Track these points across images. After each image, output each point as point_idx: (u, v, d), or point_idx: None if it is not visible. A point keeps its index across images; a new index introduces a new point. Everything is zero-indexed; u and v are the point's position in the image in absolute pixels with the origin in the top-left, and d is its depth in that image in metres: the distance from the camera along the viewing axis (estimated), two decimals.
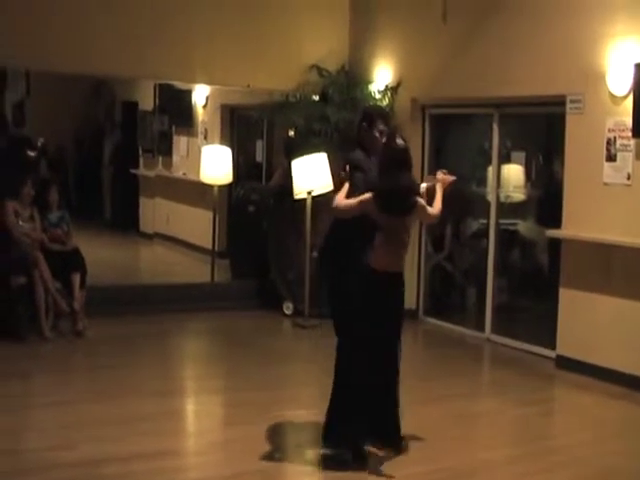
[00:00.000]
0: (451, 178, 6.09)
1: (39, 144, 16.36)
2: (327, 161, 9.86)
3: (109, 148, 17.16)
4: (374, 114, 6.07)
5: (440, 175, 6.12)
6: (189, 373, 8.45)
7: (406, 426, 6.22)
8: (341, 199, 5.73)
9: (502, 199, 9.70)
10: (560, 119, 8.49)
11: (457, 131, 10.75)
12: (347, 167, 5.82)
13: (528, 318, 9.73)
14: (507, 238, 9.75)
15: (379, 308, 5.75)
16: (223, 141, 13.24)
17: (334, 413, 5.92)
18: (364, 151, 5.90)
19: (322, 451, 5.91)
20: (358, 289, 5.72)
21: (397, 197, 5.67)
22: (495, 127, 9.56)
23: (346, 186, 5.78)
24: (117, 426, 6.35)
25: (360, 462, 5.67)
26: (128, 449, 5.87)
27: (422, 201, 5.85)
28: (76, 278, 9.01)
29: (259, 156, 13.77)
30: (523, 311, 9.85)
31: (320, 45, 10.80)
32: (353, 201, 5.68)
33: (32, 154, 15.48)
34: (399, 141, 5.81)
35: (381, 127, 5.90)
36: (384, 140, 5.87)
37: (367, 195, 5.63)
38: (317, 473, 5.80)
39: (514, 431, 6.85)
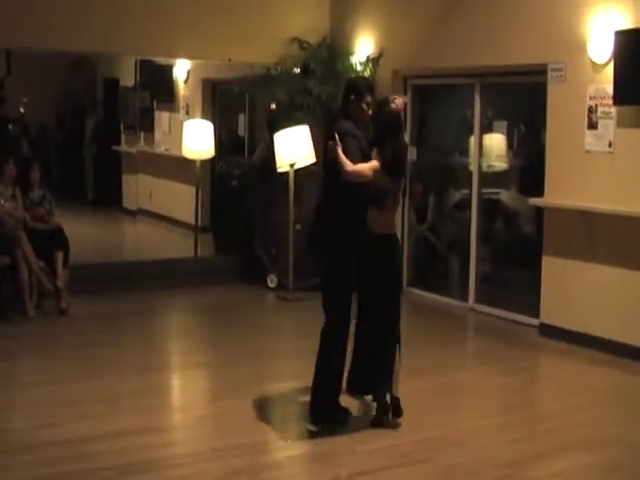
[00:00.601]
0: (404, 99, 6.33)
1: (20, 111, 16.12)
2: (309, 134, 9.84)
3: (91, 125, 17.04)
4: (362, 87, 6.04)
5: (394, 104, 6.10)
6: (174, 349, 8.46)
7: None
8: (350, 165, 5.66)
9: (484, 169, 9.71)
10: (542, 88, 8.49)
11: (439, 102, 10.73)
12: (335, 136, 5.74)
13: (511, 287, 9.77)
14: (490, 207, 9.77)
15: (377, 271, 5.85)
16: (205, 116, 13.19)
17: (319, 390, 5.95)
18: (351, 122, 5.91)
19: (309, 427, 5.94)
20: (357, 258, 5.80)
21: (401, 161, 5.88)
22: (477, 97, 9.55)
23: (340, 153, 5.71)
24: (103, 403, 6.36)
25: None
26: (115, 426, 5.88)
27: None
28: (59, 256, 8.97)
29: (241, 130, 13.73)
30: (506, 280, 9.89)
31: (301, 18, 10.74)
32: (365, 167, 5.70)
33: (11, 126, 15.28)
34: (393, 105, 5.93)
35: (369, 99, 5.93)
36: (376, 108, 5.94)
37: (375, 162, 5.74)
38: (302, 447, 5.84)
39: (500, 400, 6.89)
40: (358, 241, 5.81)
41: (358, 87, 6.03)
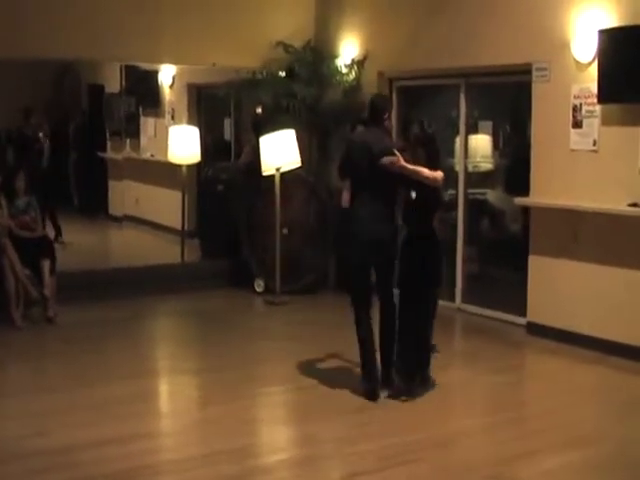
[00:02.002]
0: None
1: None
2: (295, 137, 9.84)
3: (76, 132, 16.98)
4: (389, 104, 7.10)
5: None
6: (162, 355, 8.42)
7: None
8: (427, 171, 6.42)
9: (470, 169, 9.72)
10: (526, 87, 8.51)
11: (424, 103, 10.73)
12: (395, 152, 6.43)
13: (499, 286, 9.77)
14: (476, 207, 9.78)
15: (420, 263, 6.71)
16: (190, 121, 13.17)
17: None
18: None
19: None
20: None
21: None
22: (462, 97, 9.56)
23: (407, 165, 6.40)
24: (92, 411, 6.33)
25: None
26: (103, 433, 5.85)
27: None
28: (46, 265, 8.91)
29: (227, 134, 13.72)
30: (493, 279, 9.89)
31: (286, 21, 10.73)
32: (438, 174, 6.49)
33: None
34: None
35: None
36: (420, 131, 6.90)
37: (440, 172, 6.53)
38: (292, 450, 5.85)
39: (488, 399, 6.90)
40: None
41: (388, 105, 6.94)
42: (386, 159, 6.36)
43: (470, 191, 9.65)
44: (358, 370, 6.78)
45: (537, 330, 8.38)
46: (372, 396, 6.47)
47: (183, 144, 11.10)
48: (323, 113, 10.41)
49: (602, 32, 7.61)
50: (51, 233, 11.38)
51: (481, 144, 9.93)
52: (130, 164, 15.25)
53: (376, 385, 6.53)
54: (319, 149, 10.64)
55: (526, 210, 8.81)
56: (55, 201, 12.77)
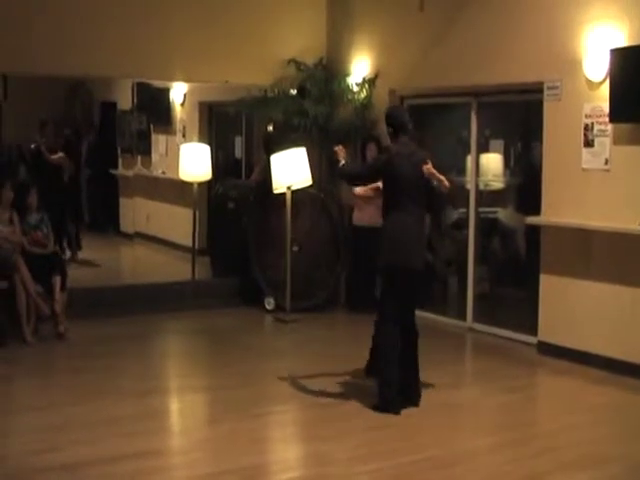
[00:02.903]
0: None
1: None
2: (306, 156, 9.85)
3: (87, 149, 17.04)
4: None
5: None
6: (172, 372, 8.42)
7: (390, 416, 6.41)
8: None
9: (481, 187, 9.71)
10: (538, 106, 8.51)
11: (436, 121, 10.74)
12: (428, 161, 6.73)
13: (510, 305, 9.75)
14: (487, 226, 9.77)
15: None
16: (202, 138, 13.21)
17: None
18: None
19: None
20: None
21: None
22: (473, 116, 9.56)
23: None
24: (101, 427, 6.31)
25: None
26: (113, 450, 5.83)
27: None
28: (57, 281, 8.92)
29: (238, 152, 13.76)
30: (505, 299, 9.87)
31: (297, 39, 10.78)
32: None
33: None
34: None
35: None
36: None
37: None
38: (300, 468, 5.82)
39: (498, 419, 6.85)
40: None
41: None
42: (425, 167, 6.61)
43: (481, 210, 9.65)
44: (369, 388, 6.77)
45: (548, 349, 8.34)
46: (394, 409, 6.52)
47: (194, 162, 11.11)
48: (334, 131, 10.43)
49: (614, 51, 7.61)
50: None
51: (492, 163, 9.93)
52: (141, 181, 15.29)
53: (397, 397, 6.57)
54: (330, 167, 10.65)
55: (533, 229, 8.80)
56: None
